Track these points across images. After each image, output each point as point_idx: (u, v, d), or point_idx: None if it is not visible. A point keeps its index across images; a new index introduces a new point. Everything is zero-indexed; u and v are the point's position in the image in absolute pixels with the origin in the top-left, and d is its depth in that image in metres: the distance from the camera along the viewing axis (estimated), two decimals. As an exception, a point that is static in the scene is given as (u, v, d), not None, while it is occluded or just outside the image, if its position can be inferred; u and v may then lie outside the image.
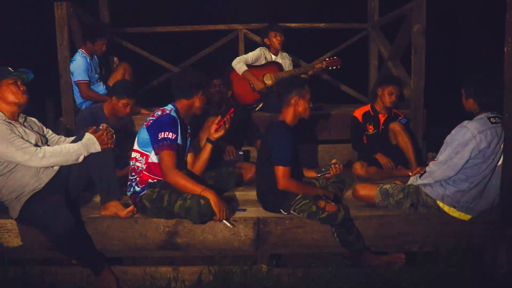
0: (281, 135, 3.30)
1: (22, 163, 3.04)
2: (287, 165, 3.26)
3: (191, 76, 3.31)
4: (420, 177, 3.37)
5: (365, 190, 3.47)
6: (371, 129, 4.41)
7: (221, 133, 3.35)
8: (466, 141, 3.13)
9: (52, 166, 3.16)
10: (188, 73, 3.42)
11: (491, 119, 3.17)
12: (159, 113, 3.25)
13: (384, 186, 3.43)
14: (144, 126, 3.26)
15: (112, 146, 3.24)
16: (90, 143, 3.17)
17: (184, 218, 3.14)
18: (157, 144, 3.15)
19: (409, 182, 3.46)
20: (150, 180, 3.24)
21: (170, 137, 3.14)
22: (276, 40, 5.00)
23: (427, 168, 3.31)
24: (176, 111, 3.28)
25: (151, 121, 3.24)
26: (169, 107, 3.29)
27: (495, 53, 3.45)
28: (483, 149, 3.12)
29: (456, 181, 3.22)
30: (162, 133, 3.14)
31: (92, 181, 3.28)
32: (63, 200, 3.10)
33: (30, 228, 3.17)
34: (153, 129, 3.18)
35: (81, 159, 3.14)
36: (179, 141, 3.22)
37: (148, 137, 3.21)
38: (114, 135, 3.28)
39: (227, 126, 3.35)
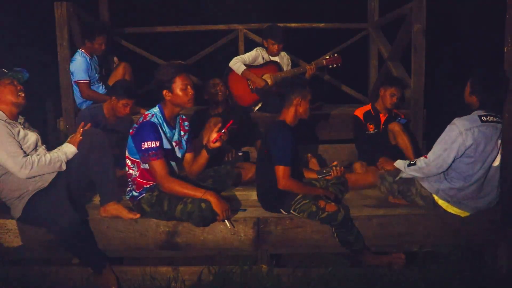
0: (281, 135, 3.29)
1: (10, 171, 3.03)
2: (287, 165, 3.25)
3: (155, 76, 3.18)
4: (408, 166, 3.37)
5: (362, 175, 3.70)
6: (372, 128, 4.41)
7: (218, 144, 3.27)
8: (453, 138, 3.14)
9: None
10: (155, 73, 3.23)
11: (482, 117, 3.14)
12: (141, 119, 3.17)
13: (381, 172, 3.65)
14: (130, 134, 3.20)
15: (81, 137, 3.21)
16: (66, 149, 3.18)
17: (185, 221, 3.14)
18: (142, 155, 3.09)
19: (397, 166, 3.47)
20: (145, 186, 3.22)
21: (153, 145, 3.05)
22: (273, 47, 4.94)
23: (418, 163, 3.29)
24: (161, 111, 3.20)
25: (135, 128, 3.17)
26: (152, 110, 3.20)
27: (495, 53, 3.45)
28: (469, 146, 3.11)
29: (453, 178, 3.22)
30: (144, 143, 3.06)
31: (92, 181, 3.27)
32: (67, 198, 3.12)
33: (31, 228, 3.18)
34: (136, 139, 3.11)
35: (63, 166, 3.15)
36: (165, 145, 3.16)
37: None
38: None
39: (224, 138, 3.29)
